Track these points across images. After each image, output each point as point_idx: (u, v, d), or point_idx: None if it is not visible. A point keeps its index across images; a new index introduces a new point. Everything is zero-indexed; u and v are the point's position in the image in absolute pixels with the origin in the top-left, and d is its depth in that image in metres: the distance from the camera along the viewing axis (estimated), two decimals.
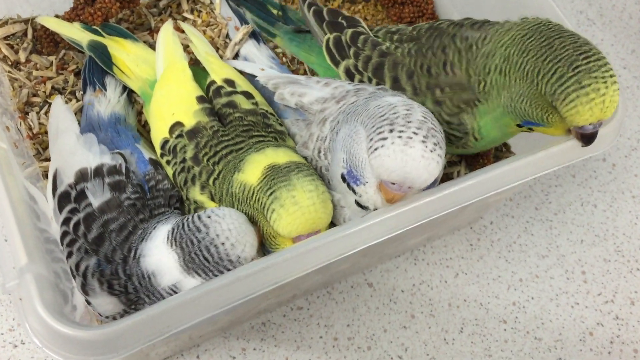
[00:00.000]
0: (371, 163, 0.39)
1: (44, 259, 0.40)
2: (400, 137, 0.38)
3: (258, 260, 0.39)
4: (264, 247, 0.44)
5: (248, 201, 0.42)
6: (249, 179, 0.42)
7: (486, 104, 0.45)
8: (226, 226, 0.40)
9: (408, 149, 0.38)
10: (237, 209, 0.43)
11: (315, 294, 0.56)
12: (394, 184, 0.39)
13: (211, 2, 0.62)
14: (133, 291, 0.41)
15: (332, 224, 0.44)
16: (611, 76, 0.40)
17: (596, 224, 0.62)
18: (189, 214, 0.43)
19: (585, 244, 0.61)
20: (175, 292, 0.40)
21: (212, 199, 0.45)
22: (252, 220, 0.43)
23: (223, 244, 0.39)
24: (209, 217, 0.40)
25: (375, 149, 0.39)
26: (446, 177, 0.58)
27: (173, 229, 0.41)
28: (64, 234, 0.44)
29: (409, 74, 0.47)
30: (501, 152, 0.59)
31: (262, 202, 0.41)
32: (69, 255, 0.43)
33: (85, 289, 0.41)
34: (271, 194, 0.40)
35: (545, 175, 0.46)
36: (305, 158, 0.45)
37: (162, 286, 0.40)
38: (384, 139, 0.39)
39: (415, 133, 0.38)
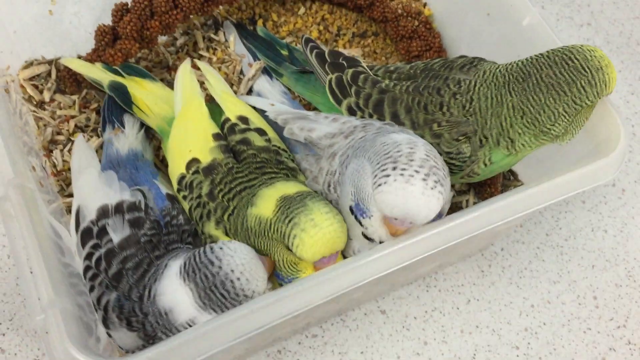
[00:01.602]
0: (375, 198, 0.41)
1: (68, 292, 0.42)
2: (402, 174, 0.40)
3: (273, 292, 0.40)
4: (279, 277, 0.46)
5: (265, 233, 0.44)
6: (264, 212, 0.44)
7: (491, 138, 0.47)
8: (239, 260, 0.41)
9: (409, 186, 0.40)
10: (253, 242, 0.45)
11: (330, 322, 0.58)
12: (396, 219, 0.41)
13: (226, 41, 0.64)
14: (150, 328, 0.42)
15: (343, 255, 0.45)
16: None
17: (607, 249, 0.63)
18: (202, 246, 0.44)
19: (597, 269, 0.62)
20: None
21: (227, 234, 0.47)
22: (265, 253, 0.44)
23: (239, 279, 0.41)
24: (221, 249, 0.42)
25: (379, 185, 0.41)
26: (455, 205, 0.59)
27: (185, 263, 0.42)
28: (87, 269, 0.46)
29: (407, 109, 0.49)
30: (509, 180, 0.60)
31: (281, 232, 0.42)
32: (91, 289, 0.45)
33: (106, 322, 0.43)
34: (290, 221, 0.42)
35: (555, 202, 0.47)
36: (315, 192, 0.47)
37: (179, 322, 0.42)
38: (387, 175, 0.41)
39: (416, 171, 0.40)
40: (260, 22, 0.65)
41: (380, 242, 0.43)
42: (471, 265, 0.61)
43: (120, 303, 0.43)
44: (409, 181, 0.40)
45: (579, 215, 0.64)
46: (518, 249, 0.62)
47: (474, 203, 0.57)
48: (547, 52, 0.45)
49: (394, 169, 0.41)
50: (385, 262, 0.42)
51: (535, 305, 0.59)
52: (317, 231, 0.42)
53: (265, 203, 0.44)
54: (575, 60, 0.44)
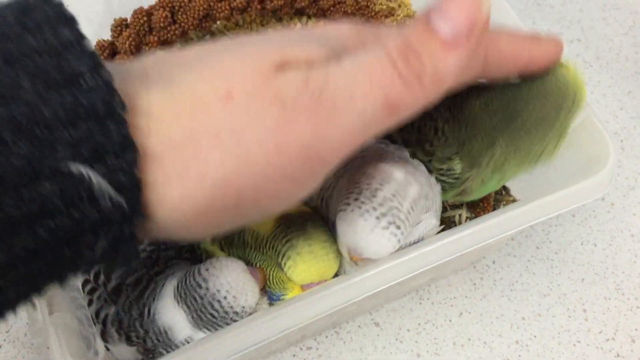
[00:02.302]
0: (335, 222, 0.42)
1: (68, 307, 0.42)
2: (359, 207, 0.41)
3: (271, 309, 0.41)
4: (267, 291, 0.47)
5: (260, 249, 0.45)
6: (262, 228, 0.45)
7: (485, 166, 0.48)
8: (224, 280, 0.42)
9: (362, 221, 0.40)
10: (247, 255, 0.46)
11: (324, 334, 0.58)
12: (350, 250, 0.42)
13: None
14: (151, 344, 0.43)
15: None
16: None
17: (596, 263, 0.64)
18: (193, 267, 0.44)
19: (586, 282, 0.63)
20: None
21: (222, 249, 0.48)
22: (256, 265, 0.45)
23: (225, 297, 0.41)
24: (207, 270, 0.42)
25: (339, 211, 0.42)
26: (448, 219, 0.60)
27: (178, 284, 0.43)
28: (85, 282, 0.46)
29: (400, 128, 0.50)
30: (501, 195, 0.61)
31: (276, 249, 0.43)
32: (90, 303, 0.45)
33: (104, 336, 0.44)
34: (287, 241, 0.43)
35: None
36: (314, 208, 0.48)
37: (178, 340, 0.43)
38: (348, 204, 0.41)
39: (374, 208, 0.41)
40: None
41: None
42: (463, 278, 0.62)
43: (119, 317, 0.44)
44: (362, 215, 0.41)
45: (568, 228, 0.66)
46: (509, 261, 0.63)
47: (467, 217, 0.58)
48: (527, 85, 0.43)
49: (355, 200, 0.41)
50: (377, 279, 0.43)
51: (526, 318, 0.60)
52: (311, 258, 0.43)
53: (265, 219, 0.45)
54: (554, 92, 0.42)
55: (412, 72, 0.29)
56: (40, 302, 0.41)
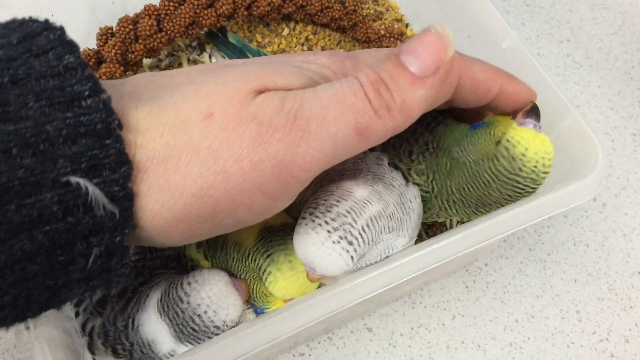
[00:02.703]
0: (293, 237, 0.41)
1: (56, 319, 0.42)
2: (313, 221, 0.40)
3: (256, 319, 0.41)
4: (251, 304, 0.46)
5: (243, 260, 0.44)
6: (244, 240, 0.45)
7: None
8: (205, 294, 0.41)
9: (314, 234, 0.39)
10: (230, 267, 0.45)
11: (317, 340, 0.58)
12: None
13: (210, 59, 0.65)
14: (137, 356, 0.43)
15: None
16: None
17: (589, 263, 0.64)
18: (177, 278, 0.44)
19: (579, 283, 0.63)
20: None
21: (206, 258, 0.47)
22: (239, 276, 0.45)
23: (206, 312, 0.41)
24: (189, 284, 0.42)
25: (297, 225, 0.40)
26: (440, 223, 0.60)
27: (162, 296, 0.43)
28: None
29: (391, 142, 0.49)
30: None
31: (258, 263, 0.43)
32: (76, 314, 0.45)
33: (91, 348, 0.43)
34: (268, 256, 0.43)
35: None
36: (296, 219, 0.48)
37: (162, 353, 0.42)
38: (303, 218, 0.40)
39: (326, 222, 0.39)
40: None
41: None
42: (456, 281, 0.62)
43: (105, 329, 0.43)
44: (315, 229, 0.39)
45: (561, 229, 0.65)
46: (502, 264, 0.63)
47: (457, 221, 0.58)
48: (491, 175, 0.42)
49: (310, 214, 0.40)
50: (368, 285, 0.42)
51: (519, 320, 0.60)
52: (292, 274, 0.42)
53: (247, 230, 0.45)
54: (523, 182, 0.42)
55: (382, 102, 0.32)
56: None
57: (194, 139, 0.30)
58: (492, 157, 0.40)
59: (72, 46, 0.29)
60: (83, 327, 0.44)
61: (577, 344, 0.59)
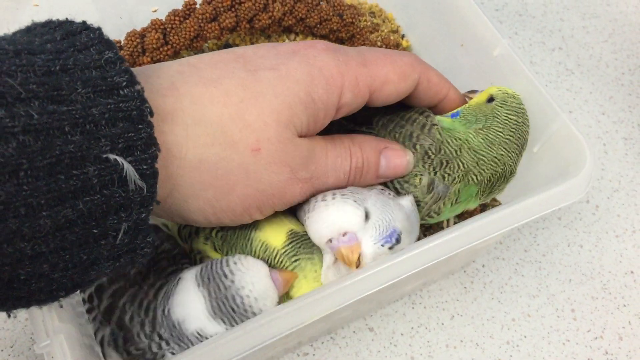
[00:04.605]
0: (308, 231, 0.45)
1: (75, 319, 0.44)
2: (315, 209, 0.44)
3: (265, 313, 0.42)
4: None
5: (269, 261, 0.46)
6: (272, 241, 0.46)
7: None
8: (250, 279, 0.43)
9: (318, 206, 0.44)
10: None
11: (320, 340, 0.60)
12: (330, 240, 0.43)
13: None
14: (151, 355, 0.44)
15: None
16: None
17: (583, 264, 0.66)
18: (219, 258, 0.45)
19: (574, 283, 0.64)
20: (200, 338, 0.43)
21: (216, 250, 0.49)
22: None
23: (248, 296, 0.42)
24: (235, 263, 0.43)
25: (306, 219, 0.45)
26: (436, 224, 0.62)
27: (202, 269, 0.44)
28: (84, 301, 0.47)
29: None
30: None
31: (284, 265, 0.45)
32: (88, 322, 0.47)
33: (105, 357, 0.45)
34: (296, 260, 0.45)
35: (531, 220, 0.50)
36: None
37: (189, 331, 0.43)
38: (309, 211, 0.44)
39: (324, 200, 0.44)
40: None
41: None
42: (454, 282, 0.64)
43: (114, 337, 0.45)
44: (321, 206, 0.44)
45: (555, 231, 0.67)
46: (498, 265, 0.65)
47: (454, 222, 0.60)
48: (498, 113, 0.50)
49: (311, 210, 0.44)
50: (369, 282, 0.44)
51: (516, 319, 0.62)
52: (316, 285, 0.45)
53: (274, 231, 0.46)
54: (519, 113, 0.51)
55: (357, 178, 0.47)
56: (45, 314, 0.42)
57: (234, 163, 0.40)
58: (494, 109, 0.50)
59: (110, 44, 0.34)
60: (95, 335, 0.46)
61: (572, 341, 0.61)
